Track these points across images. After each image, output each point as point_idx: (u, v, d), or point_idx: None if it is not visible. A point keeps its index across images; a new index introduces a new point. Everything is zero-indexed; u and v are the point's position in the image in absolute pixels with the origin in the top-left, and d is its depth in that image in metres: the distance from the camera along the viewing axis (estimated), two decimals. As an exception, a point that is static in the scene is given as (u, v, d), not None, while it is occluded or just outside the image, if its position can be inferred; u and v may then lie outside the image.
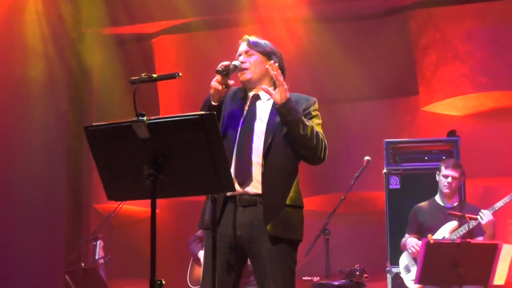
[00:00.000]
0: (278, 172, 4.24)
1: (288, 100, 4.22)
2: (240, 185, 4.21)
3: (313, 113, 4.39)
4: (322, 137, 4.30)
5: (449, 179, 7.01)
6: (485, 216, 6.63)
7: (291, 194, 4.27)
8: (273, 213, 4.20)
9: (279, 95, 4.22)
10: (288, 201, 4.24)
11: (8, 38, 9.42)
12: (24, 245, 9.18)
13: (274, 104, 4.28)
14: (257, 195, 4.22)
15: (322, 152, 4.28)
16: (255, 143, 4.27)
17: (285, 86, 4.25)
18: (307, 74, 9.15)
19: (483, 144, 8.72)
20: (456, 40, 9.00)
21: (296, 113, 4.21)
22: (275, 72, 4.23)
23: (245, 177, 4.21)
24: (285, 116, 4.21)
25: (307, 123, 4.22)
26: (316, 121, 4.37)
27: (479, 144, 8.67)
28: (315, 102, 4.44)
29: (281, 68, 4.43)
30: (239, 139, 4.28)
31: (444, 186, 7.02)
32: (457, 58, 8.96)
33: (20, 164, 9.40)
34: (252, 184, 4.22)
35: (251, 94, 4.43)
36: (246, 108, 4.41)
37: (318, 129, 4.34)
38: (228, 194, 4.22)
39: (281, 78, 4.26)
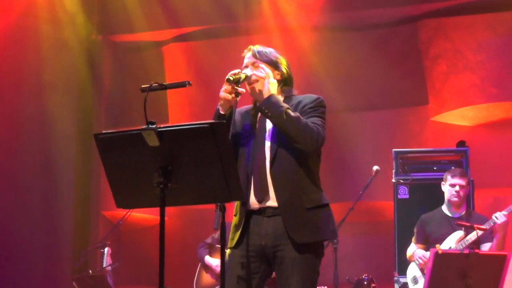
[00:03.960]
0: (290, 179, 4.21)
1: (270, 96, 4.21)
2: (260, 202, 4.22)
3: (314, 108, 4.34)
4: (315, 126, 4.22)
5: (457, 188, 6.99)
6: (500, 217, 6.63)
7: (310, 195, 4.24)
8: (294, 222, 4.18)
9: (259, 89, 4.24)
10: (308, 204, 4.21)
11: (19, 43, 9.44)
12: (31, 251, 9.19)
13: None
14: (277, 208, 4.23)
15: (313, 140, 4.18)
16: (268, 158, 4.27)
17: (271, 80, 4.27)
18: (316, 83, 9.15)
19: (493, 154, 8.71)
20: (466, 50, 8.98)
21: (277, 108, 4.17)
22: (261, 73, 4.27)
23: (263, 194, 4.20)
24: (265, 113, 4.21)
25: (292, 114, 4.17)
26: (314, 113, 4.31)
27: (489, 155, 8.66)
28: (318, 98, 4.40)
29: (289, 75, 4.46)
30: (253, 156, 4.26)
31: (452, 195, 7.00)
32: (468, 68, 8.94)
33: (28, 170, 9.41)
34: (272, 198, 4.21)
35: None
36: (258, 122, 4.39)
37: (313, 120, 4.26)
38: (254, 208, 4.24)
39: (261, 73, 4.28)
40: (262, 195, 4.21)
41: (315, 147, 4.23)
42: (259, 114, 4.38)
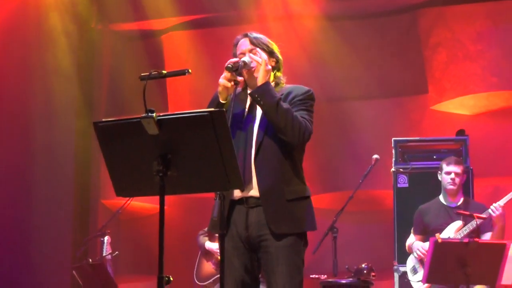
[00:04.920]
0: (273, 170, 4.21)
1: (264, 84, 4.21)
2: (242, 191, 4.20)
3: (303, 100, 4.33)
4: (303, 120, 4.21)
5: (452, 175, 6.99)
6: (495, 209, 6.64)
7: (292, 187, 4.23)
8: (274, 212, 4.18)
9: (257, 77, 4.23)
10: (289, 196, 4.20)
11: (19, 33, 9.44)
12: (31, 240, 9.20)
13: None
14: (259, 198, 4.22)
15: (301, 134, 4.17)
16: (253, 147, 4.25)
17: (268, 67, 4.27)
18: (315, 72, 9.15)
19: (493, 143, 8.71)
20: (466, 39, 8.98)
21: (270, 97, 4.17)
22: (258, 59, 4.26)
23: (247, 183, 4.18)
24: (258, 101, 4.21)
25: (284, 106, 4.17)
26: (303, 106, 4.30)
27: (489, 143, 8.66)
28: (308, 91, 4.38)
29: (281, 62, 4.47)
30: (241, 143, 4.25)
31: (448, 182, 7.01)
32: (467, 57, 8.94)
33: (28, 160, 9.42)
34: (255, 187, 4.21)
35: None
36: (247, 109, 4.39)
37: (302, 114, 4.25)
38: (236, 197, 4.24)
39: (264, 56, 4.29)
40: (245, 184, 4.18)
41: (301, 141, 4.24)
42: (249, 101, 4.38)
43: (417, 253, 7.01)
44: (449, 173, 7.02)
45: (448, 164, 7.04)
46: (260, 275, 4.39)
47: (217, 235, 7.90)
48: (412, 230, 7.22)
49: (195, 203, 9.43)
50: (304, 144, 4.31)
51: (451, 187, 7.00)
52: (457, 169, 7.01)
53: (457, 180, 7.01)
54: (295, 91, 4.37)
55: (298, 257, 4.26)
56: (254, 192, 4.21)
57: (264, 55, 4.31)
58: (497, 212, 6.64)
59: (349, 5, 9.46)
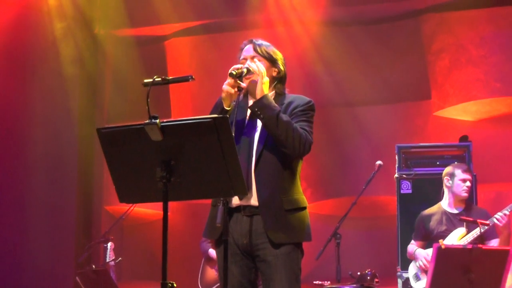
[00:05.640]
0: (273, 179, 4.22)
1: (263, 97, 4.21)
2: (240, 199, 4.21)
3: (304, 111, 4.33)
4: (303, 131, 4.21)
5: (468, 183, 6.99)
6: (501, 219, 6.63)
7: (290, 197, 4.25)
8: (272, 221, 4.19)
9: (256, 89, 4.23)
10: (287, 206, 4.22)
11: (21, 38, 9.44)
12: (34, 246, 9.19)
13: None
14: (257, 207, 4.22)
15: (301, 146, 4.18)
16: (254, 156, 4.26)
17: (265, 79, 4.26)
18: (319, 77, 9.15)
19: (496, 149, 8.70)
20: (469, 44, 8.97)
21: (270, 110, 4.18)
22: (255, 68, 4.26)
23: (247, 190, 4.17)
24: (258, 115, 4.21)
25: (284, 119, 4.17)
26: (304, 117, 4.31)
27: (492, 149, 8.65)
28: (309, 102, 4.37)
29: (284, 73, 4.46)
30: (243, 150, 4.24)
31: (463, 190, 6.98)
32: (470, 62, 8.93)
33: (31, 165, 9.42)
34: (254, 196, 4.22)
35: (251, 102, 4.35)
36: (247, 116, 4.38)
37: (302, 125, 4.25)
38: (234, 205, 4.24)
39: (261, 69, 4.27)
40: None
41: (302, 152, 4.25)
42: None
43: (419, 263, 7.00)
44: (464, 180, 7.00)
45: (464, 171, 7.01)
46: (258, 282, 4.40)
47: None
48: (412, 236, 7.20)
49: (198, 209, 9.42)
50: (304, 155, 4.32)
51: (466, 194, 7.00)
52: (471, 177, 7.03)
53: (470, 187, 7.01)
54: (296, 101, 4.37)
55: (296, 265, 4.27)
56: (253, 201, 4.22)
57: (262, 67, 4.29)
58: (503, 221, 6.64)
59: (353, 11, 9.46)
